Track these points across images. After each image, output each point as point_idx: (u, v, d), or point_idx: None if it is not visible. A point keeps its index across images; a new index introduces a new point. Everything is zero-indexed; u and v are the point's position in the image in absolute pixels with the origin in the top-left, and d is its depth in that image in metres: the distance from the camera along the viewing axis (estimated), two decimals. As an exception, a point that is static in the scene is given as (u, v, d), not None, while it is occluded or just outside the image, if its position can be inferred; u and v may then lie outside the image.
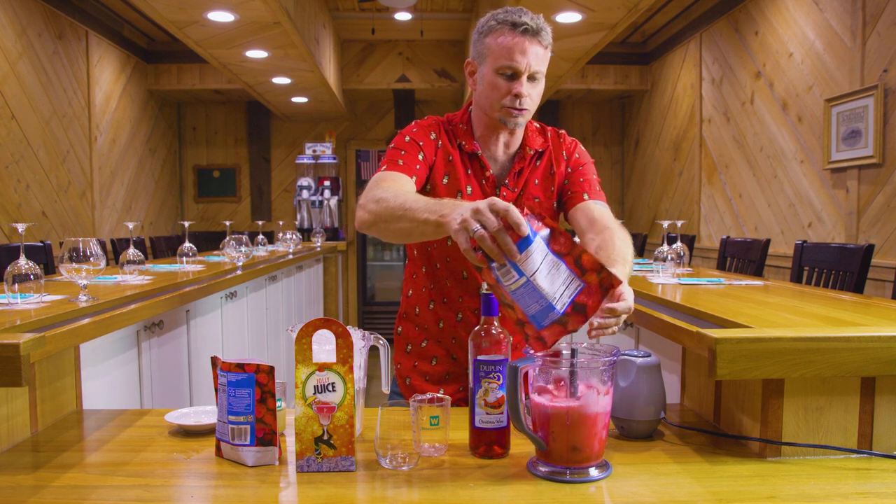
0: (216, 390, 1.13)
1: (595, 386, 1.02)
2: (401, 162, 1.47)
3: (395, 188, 1.36)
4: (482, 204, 1.03)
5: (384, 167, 1.48)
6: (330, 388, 1.04)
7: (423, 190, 1.53)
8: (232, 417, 1.09)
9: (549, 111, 8.75)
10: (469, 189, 1.55)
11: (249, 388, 1.08)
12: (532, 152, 1.59)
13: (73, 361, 1.50)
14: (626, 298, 1.14)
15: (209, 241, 6.24)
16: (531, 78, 1.47)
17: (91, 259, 1.73)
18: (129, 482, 1.02)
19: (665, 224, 2.67)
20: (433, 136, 1.55)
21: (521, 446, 1.14)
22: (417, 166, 1.49)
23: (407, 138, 1.53)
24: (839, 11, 4.28)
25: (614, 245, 1.37)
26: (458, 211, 1.08)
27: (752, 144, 5.46)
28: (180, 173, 8.54)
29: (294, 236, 5.66)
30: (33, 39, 5.20)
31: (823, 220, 4.51)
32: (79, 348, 1.54)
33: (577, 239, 1.22)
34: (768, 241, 3.21)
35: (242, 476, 1.04)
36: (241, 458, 1.09)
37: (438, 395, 1.15)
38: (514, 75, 1.45)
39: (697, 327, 1.24)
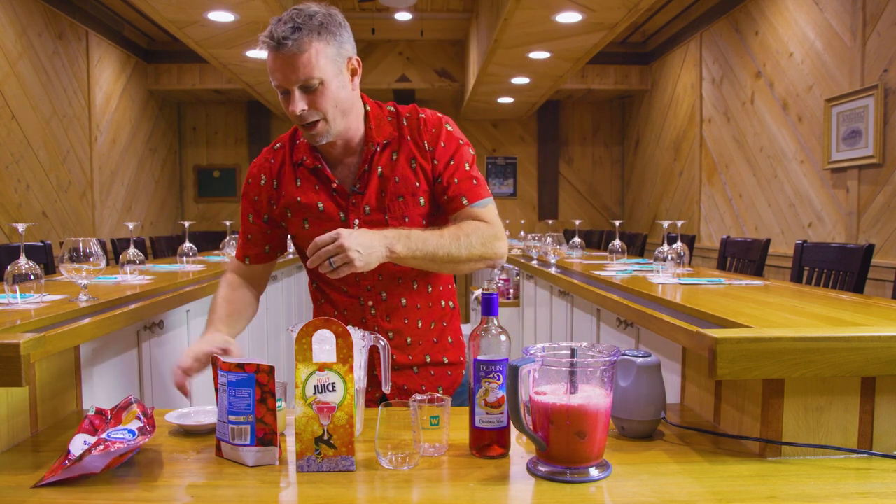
0: (216, 390, 1.13)
1: (595, 386, 1.02)
2: (236, 244, 1.68)
3: (221, 293, 1.59)
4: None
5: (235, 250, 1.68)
6: (330, 388, 1.04)
7: (290, 221, 1.55)
8: (232, 417, 1.09)
9: (549, 111, 8.75)
10: (321, 205, 1.50)
11: (250, 389, 1.08)
12: (375, 147, 1.47)
13: (73, 361, 1.50)
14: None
15: (209, 241, 6.23)
16: (306, 88, 1.36)
17: (91, 259, 1.73)
18: (129, 482, 1.02)
19: (665, 224, 2.67)
20: (263, 180, 1.56)
21: (521, 446, 1.14)
22: (249, 235, 1.61)
23: (244, 200, 1.62)
24: (839, 11, 4.27)
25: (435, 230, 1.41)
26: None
27: (752, 144, 5.46)
28: (180, 173, 8.54)
29: (294, 236, 5.65)
30: (33, 39, 5.20)
31: (823, 220, 4.51)
32: (79, 348, 1.54)
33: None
34: (768, 241, 3.21)
35: (242, 476, 1.04)
36: (241, 458, 1.09)
37: (438, 395, 1.15)
38: (286, 92, 1.38)
39: (697, 327, 1.24)
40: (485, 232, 1.43)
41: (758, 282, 2.32)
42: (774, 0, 5.07)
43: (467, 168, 1.50)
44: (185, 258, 3.28)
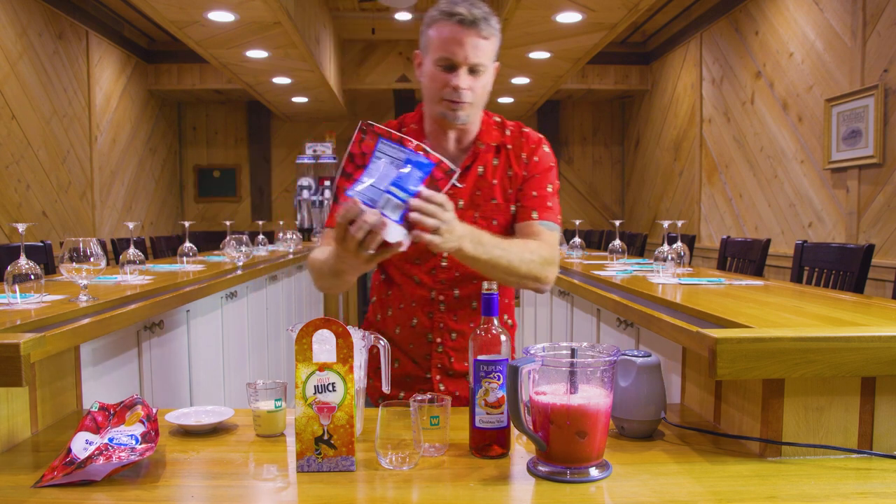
0: (353, 154, 1.16)
1: (595, 386, 1.02)
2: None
3: (320, 251, 1.48)
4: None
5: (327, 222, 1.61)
6: (330, 388, 1.04)
7: None
8: (393, 188, 1.12)
9: (549, 111, 8.75)
10: None
11: (423, 174, 1.10)
12: (484, 146, 1.52)
13: (73, 361, 1.50)
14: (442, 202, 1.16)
15: (209, 241, 6.24)
16: (472, 71, 1.42)
17: (91, 259, 1.73)
18: (129, 482, 1.02)
19: (665, 224, 2.67)
20: None
21: (521, 446, 1.14)
22: None
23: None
24: (839, 11, 4.27)
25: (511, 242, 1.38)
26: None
27: (752, 144, 5.46)
28: (180, 173, 8.54)
29: (294, 236, 5.66)
30: (33, 39, 5.20)
31: (824, 219, 4.51)
32: (79, 348, 1.54)
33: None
34: (768, 241, 3.21)
35: (243, 476, 1.05)
36: (384, 230, 1.11)
37: (439, 395, 1.15)
38: (452, 67, 1.41)
39: (697, 327, 1.24)
40: (545, 254, 1.43)
41: (758, 282, 2.32)
42: (774, 0, 5.07)
43: (549, 189, 1.54)
44: (185, 258, 3.28)
